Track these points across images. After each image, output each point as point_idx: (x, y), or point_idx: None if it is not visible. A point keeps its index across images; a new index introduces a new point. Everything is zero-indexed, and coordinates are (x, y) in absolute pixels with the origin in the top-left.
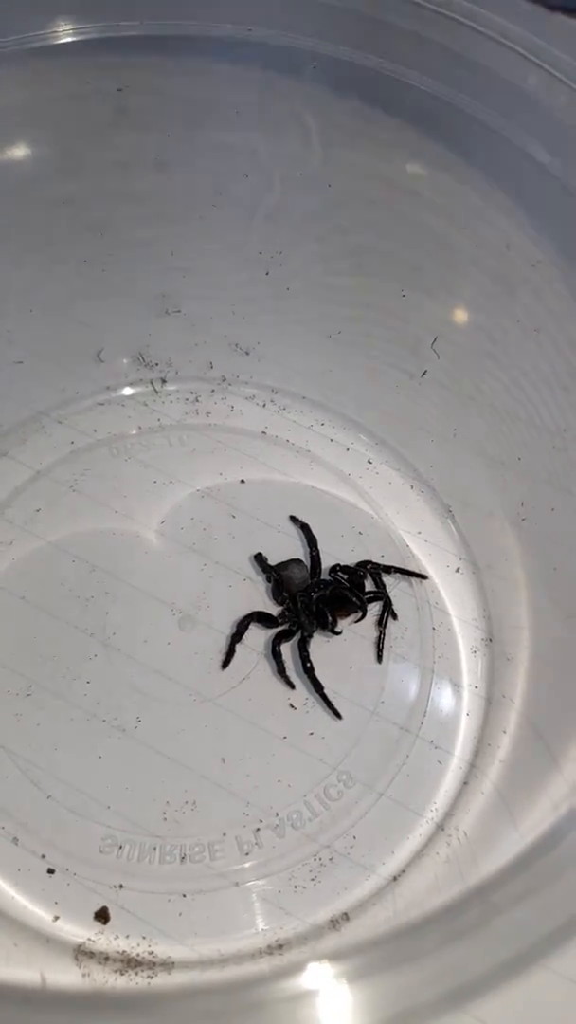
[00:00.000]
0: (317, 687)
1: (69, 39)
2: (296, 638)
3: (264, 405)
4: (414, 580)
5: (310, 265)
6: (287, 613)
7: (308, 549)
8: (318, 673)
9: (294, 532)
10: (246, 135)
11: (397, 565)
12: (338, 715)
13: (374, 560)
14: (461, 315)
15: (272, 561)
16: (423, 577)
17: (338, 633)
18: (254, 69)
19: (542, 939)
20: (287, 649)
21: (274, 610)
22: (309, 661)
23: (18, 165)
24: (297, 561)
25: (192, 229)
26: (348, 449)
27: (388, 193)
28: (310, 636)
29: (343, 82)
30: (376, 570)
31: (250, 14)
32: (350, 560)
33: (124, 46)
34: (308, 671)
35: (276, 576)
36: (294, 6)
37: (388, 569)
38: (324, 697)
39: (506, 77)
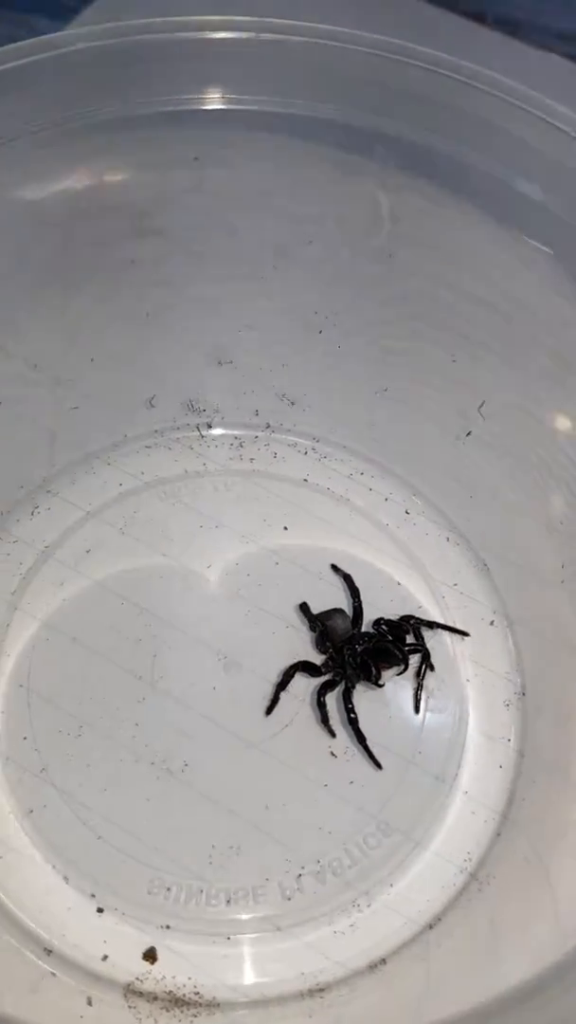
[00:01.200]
0: (360, 738)
1: (151, 111)
2: (340, 688)
3: (306, 453)
4: (451, 632)
5: (364, 328)
6: (331, 663)
7: (351, 600)
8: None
9: (335, 579)
10: (315, 207)
11: (437, 620)
12: (379, 766)
13: (415, 614)
14: (512, 385)
15: (314, 608)
16: (464, 634)
17: (381, 686)
18: (327, 146)
19: None
20: (331, 699)
21: (317, 659)
22: (354, 712)
23: (95, 226)
24: (340, 611)
25: (252, 289)
26: (387, 499)
27: (449, 267)
28: (354, 687)
29: (412, 162)
30: (418, 624)
31: (323, 92)
32: (387, 609)
33: (201, 119)
34: (352, 722)
35: (320, 627)
36: (365, 87)
37: (431, 624)
38: (367, 748)
39: (567, 164)
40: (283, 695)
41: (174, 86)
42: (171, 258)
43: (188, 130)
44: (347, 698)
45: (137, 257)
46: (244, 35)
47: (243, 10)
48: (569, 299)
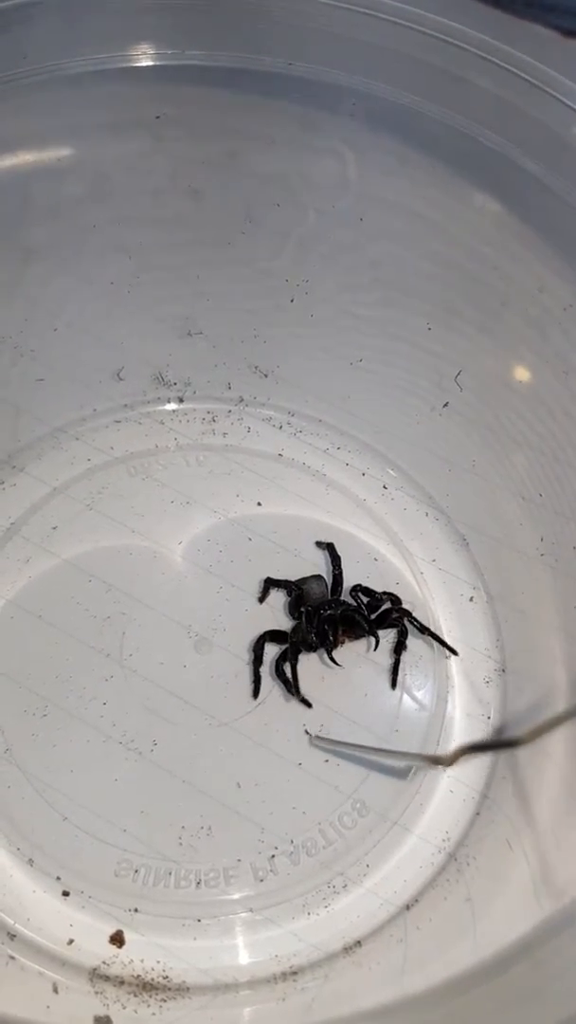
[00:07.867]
0: (288, 687)
1: (108, 66)
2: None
3: (280, 427)
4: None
5: (336, 295)
6: (297, 629)
7: (331, 568)
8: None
9: (310, 556)
10: (281, 166)
11: (428, 628)
12: (309, 705)
13: (394, 591)
14: (488, 352)
15: None
16: (453, 652)
17: (332, 659)
18: (293, 103)
19: None
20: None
21: (287, 626)
22: (286, 663)
23: (53, 188)
24: (318, 577)
25: (220, 255)
26: (364, 474)
27: (421, 230)
28: (309, 649)
29: (381, 120)
30: (398, 601)
31: (291, 49)
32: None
33: (163, 75)
34: (279, 674)
35: (296, 590)
36: (334, 43)
37: (424, 629)
38: (302, 700)
39: (545, 122)
40: (261, 671)
41: (130, 41)
42: (132, 222)
43: (147, 87)
44: (291, 652)
45: (96, 222)
46: None
47: None
48: (545, 262)
